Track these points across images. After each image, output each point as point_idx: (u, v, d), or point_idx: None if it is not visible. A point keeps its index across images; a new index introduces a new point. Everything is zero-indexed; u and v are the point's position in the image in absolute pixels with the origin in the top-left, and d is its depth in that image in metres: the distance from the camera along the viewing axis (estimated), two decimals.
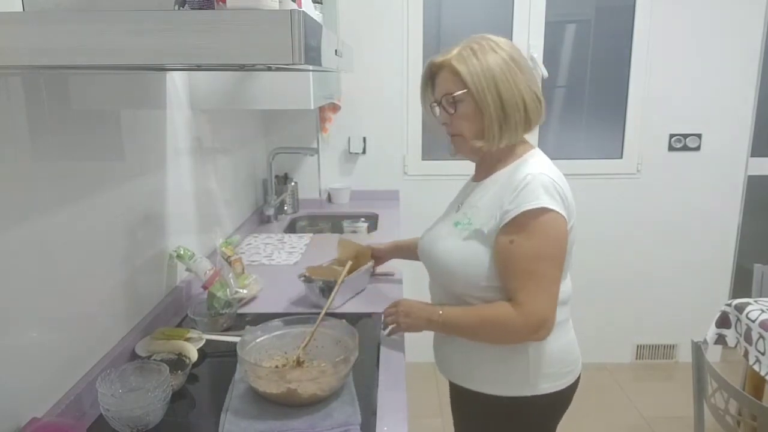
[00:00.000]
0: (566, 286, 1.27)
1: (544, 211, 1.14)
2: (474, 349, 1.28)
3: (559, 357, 1.28)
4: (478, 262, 1.21)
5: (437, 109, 1.28)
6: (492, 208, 1.21)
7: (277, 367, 1.25)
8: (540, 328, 1.17)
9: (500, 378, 1.28)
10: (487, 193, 1.26)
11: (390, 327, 1.37)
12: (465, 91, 1.20)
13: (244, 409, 1.14)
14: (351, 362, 1.18)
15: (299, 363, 1.26)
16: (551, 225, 1.15)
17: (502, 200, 1.19)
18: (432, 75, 1.29)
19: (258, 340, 1.29)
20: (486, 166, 1.31)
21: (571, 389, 1.33)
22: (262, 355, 1.28)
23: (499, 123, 1.20)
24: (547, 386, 1.27)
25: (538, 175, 1.17)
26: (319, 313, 1.33)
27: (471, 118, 1.22)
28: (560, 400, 1.32)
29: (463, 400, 1.38)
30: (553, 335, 1.21)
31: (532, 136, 1.32)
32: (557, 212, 1.15)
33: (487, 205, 1.23)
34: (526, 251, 1.14)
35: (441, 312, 1.26)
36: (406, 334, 1.43)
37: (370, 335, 1.46)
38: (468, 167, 1.40)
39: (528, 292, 1.16)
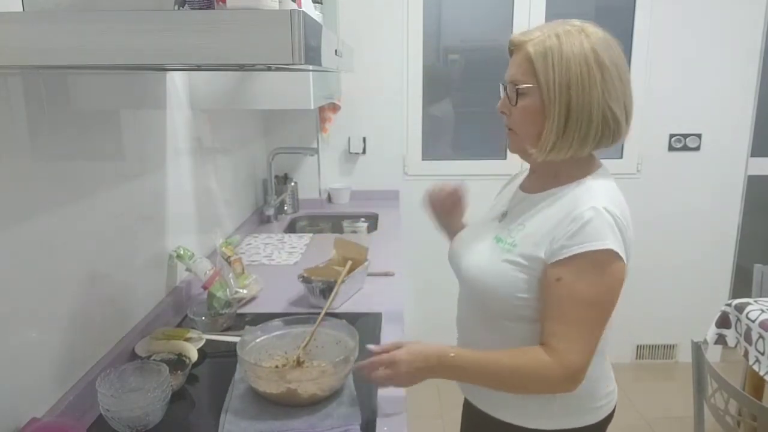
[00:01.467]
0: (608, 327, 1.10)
1: (607, 254, 1.00)
2: None
3: (589, 390, 1.11)
4: (515, 287, 1.07)
5: (502, 93, 1.10)
6: (542, 235, 1.05)
7: (277, 367, 1.25)
8: (574, 380, 1.02)
9: (525, 408, 1.13)
10: (537, 212, 1.09)
11: (383, 379, 1.08)
12: (532, 86, 1.02)
13: (244, 409, 1.14)
14: (351, 362, 1.18)
15: (299, 363, 1.26)
16: (611, 271, 1.01)
17: (555, 230, 1.03)
18: (510, 52, 1.11)
19: (258, 340, 1.29)
20: (540, 176, 1.14)
21: (604, 423, 1.17)
22: (262, 355, 1.28)
23: (556, 135, 1.03)
24: (572, 420, 1.13)
25: (602, 210, 1.02)
26: (319, 313, 1.33)
27: (531, 117, 1.04)
28: None
29: (479, 423, 1.23)
30: None
31: None
32: (619, 256, 1.02)
33: (535, 228, 1.07)
34: (577, 295, 1.00)
35: (453, 354, 1.07)
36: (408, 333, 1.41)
37: (370, 335, 1.46)
38: (467, 169, 1.38)
39: (569, 340, 1.01)
